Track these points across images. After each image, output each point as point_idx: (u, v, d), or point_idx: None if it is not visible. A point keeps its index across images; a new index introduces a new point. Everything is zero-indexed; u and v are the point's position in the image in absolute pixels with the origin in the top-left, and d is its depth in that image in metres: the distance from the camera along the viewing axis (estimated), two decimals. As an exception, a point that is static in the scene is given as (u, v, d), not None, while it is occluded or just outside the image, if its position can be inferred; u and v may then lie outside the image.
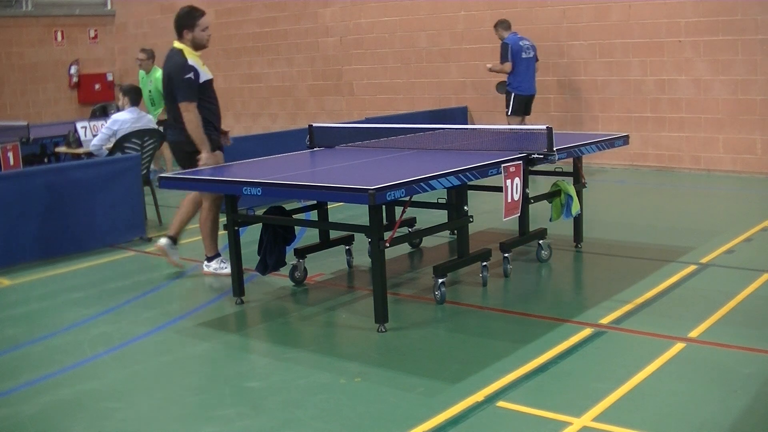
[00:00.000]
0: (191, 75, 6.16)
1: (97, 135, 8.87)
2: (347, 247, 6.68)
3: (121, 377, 4.67)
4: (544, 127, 5.95)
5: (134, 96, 8.73)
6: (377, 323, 5.14)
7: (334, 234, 6.63)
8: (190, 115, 6.15)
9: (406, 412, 4.01)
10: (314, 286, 6.29)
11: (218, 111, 6.49)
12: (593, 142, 6.74)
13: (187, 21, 6.29)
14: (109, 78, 18.00)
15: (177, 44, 6.32)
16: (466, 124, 12.27)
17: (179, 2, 17.23)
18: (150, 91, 11.37)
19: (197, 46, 6.33)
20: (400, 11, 13.48)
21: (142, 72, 11.64)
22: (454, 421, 3.88)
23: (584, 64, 11.57)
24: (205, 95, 6.30)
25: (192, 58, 6.26)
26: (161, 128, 10.76)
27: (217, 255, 6.65)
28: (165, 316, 5.73)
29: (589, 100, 11.64)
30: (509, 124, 10.48)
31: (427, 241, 7.35)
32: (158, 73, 11.31)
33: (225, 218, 5.82)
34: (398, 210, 6.27)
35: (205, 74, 6.28)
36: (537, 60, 10.98)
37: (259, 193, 5.16)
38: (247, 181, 5.26)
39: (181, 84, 6.15)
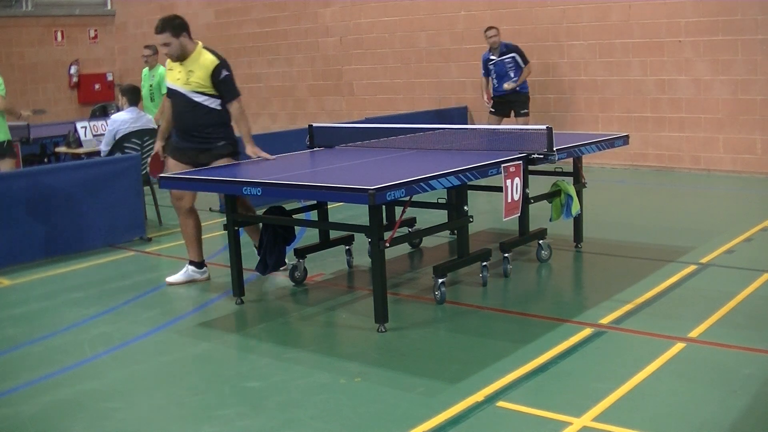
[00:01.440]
0: None
1: (99, 139, 8.87)
2: (347, 247, 6.68)
3: (121, 377, 4.67)
4: (544, 127, 5.95)
5: (132, 96, 8.71)
6: (377, 323, 5.14)
7: (334, 234, 6.63)
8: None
9: (406, 412, 4.01)
10: (314, 286, 6.29)
11: (177, 123, 6.26)
12: (593, 142, 6.74)
13: None
14: (109, 78, 18.00)
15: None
16: (466, 124, 12.27)
17: (179, 2, 17.30)
18: (151, 86, 11.31)
19: None
20: (400, 11, 13.48)
21: (145, 70, 11.57)
22: (454, 421, 3.88)
23: (584, 64, 11.57)
24: (171, 101, 6.31)
25: (169, 62, 6.23)
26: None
27: (194, 262, 6.47)
28: (165, 316, 5.73)
29: (589, 100, 11.63)
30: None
31: (427, 241, 7.35)
32: (161, 70, 11.27)
33: (225, 218, 5.83)
34: (398, 210, 6.27)
35: (169, 82, 6.23)
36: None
37: (259, 193, 5.16)
38: (247, 181, 5.26)
39: None
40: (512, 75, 10.83)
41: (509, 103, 11.06)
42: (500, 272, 6.23)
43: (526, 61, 10.87)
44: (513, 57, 10.87)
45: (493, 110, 11.20)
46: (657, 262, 6.47)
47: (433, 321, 5.42)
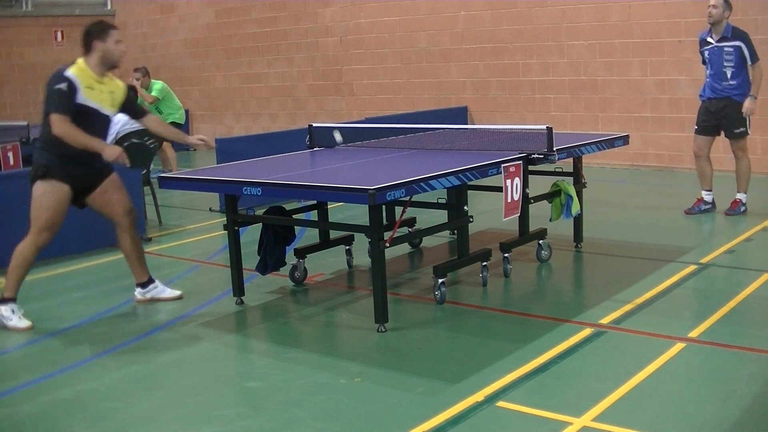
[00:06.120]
0: (63, 86, 5.31)
1: None
2: (347, 247, 6.68)
3: (121, 377, 4.67)
4: (544, 127, 5.95)
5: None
6: (377, 323, 5.14)
7: (334, 234, 6.63)
8: (63, 127, 5.30)
9: (406, 412, 4.01)
10: (314, 286, 6.29)
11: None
12: (593, 142, 6.74)
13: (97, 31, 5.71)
14: (109, 78, 18.00)
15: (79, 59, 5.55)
16: (466, 124, 12.27)
17: (179, 2, 17.29)
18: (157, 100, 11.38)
19: (107, 62, 5.62)
20: (400, 11, 13.48)
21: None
22: (454, 421, 3.88)
23: (584, 64, 11.57)
24: (83, 122, 5.43)
25: (83, 77, 5.46)
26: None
27: (13, 300, 5.65)
28: (165, 316, 5.73)
29: (589, 100, 11.64)
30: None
31: (427, 241, 7.35)
32: (158, 85, 11.28)
33: (225, 218, 5.83)
34: (398, 210, 6.27)
35: (90, 101, 5.50)
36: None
37: (259, 193, 5.16)
38: (247, 181, 5.26)
39: (51, 94, 5.34)
40: (729, 74, 7.65)
41: (721, 114, 7.86)
42: (500, 272, 6.23)
43: (755, 58, 7.63)
44: (737, 47, 7.60)
45: (698, 127, 8.07)
46: (657, 262, 6.47)
47: (433, 321, 5.42)
